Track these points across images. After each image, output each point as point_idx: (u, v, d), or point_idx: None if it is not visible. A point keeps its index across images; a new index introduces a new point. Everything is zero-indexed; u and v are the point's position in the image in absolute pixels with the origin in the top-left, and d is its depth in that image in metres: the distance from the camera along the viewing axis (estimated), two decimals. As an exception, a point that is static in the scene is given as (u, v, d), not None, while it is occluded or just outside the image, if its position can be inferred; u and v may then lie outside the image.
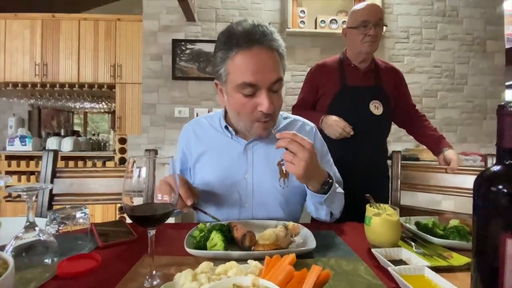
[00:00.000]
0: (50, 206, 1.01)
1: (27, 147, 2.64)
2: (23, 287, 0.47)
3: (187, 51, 2.43)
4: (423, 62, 2.59)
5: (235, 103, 0.74)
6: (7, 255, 0.38)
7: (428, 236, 0.66)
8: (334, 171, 0.92)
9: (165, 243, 0.67)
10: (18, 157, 2.67)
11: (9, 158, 2.68)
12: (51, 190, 1.01)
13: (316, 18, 2.46)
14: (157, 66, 2.46)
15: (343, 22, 2.43)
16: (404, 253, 0.58)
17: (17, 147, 2.62)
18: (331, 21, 2.44)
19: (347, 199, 0.87)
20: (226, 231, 0.64)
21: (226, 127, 0.85)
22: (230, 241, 0.63)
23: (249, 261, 0.48)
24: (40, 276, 0.51)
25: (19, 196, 2.64)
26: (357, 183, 1.05)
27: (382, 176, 1.31)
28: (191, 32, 2.46)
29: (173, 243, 0.66)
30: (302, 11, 2.45)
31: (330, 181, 0.73)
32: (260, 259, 0.49)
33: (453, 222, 0.70)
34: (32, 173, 2.74)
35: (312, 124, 0.94)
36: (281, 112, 0.89)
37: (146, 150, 1.06)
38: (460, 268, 0.54)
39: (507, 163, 0.37)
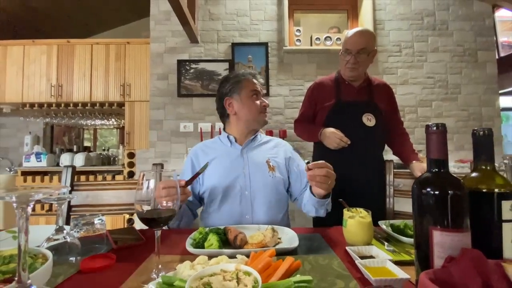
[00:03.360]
0: (68, 217, 1.13)
1: (42, 163, 2.81)
2: (54, 280, 0.58)
3: (191, 70, 2.60)
4: (416, 74, 2.70)
5: (248, 104, 1.10)
6: (47, 250, 0.49)
7: (399, 236, 0.74)
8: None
9: (169, 245, 0.78)
10: (33, 173, 2.83)
11: (25, 173, 2.84)
12: (69, 202, 1.13)
13: (311, 36, 2.62)
14: (163, 85, 2.63)
15: (337, 39, 2.58)
16: (374, 250, 0.67)
17: (32, 163, 2.79)
18: (325, 38, 2.59)
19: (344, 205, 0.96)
20: (222, 234, 0.74)
21: (228, 136, 1.13)
22: (225, 243, 0.73)
23: (237, 255, 0.58)
24: (66, 271, 0.62)
25: (33, 210, 2.78)
26: (353, 191, 1.14)
27: (377, 184, 1.35)
28: (195, 52, 2.63)
29: (176, 245, 0.77)
30: (298, 30, 2.61)
31: None
32: (248, 255, 0.59)
33: (423, 224, 0.79)
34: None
35: (284, 141, 1.23)
36: (263, 135, 1.23)
37: (154, 164, 1.18)
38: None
39: (433, 170, 0.47)
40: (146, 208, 0.58)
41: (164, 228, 0.63)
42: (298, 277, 0.47)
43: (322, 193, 0.87)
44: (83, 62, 2.85)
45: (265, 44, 2.62)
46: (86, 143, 4.04)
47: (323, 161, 0.82)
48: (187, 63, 2.61)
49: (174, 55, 2.64)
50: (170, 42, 2.65)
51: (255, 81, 1.12)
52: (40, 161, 2.77)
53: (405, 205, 1.47)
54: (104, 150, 3.50)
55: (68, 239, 0.64)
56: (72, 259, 0.66)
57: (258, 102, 1.10)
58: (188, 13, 2.18)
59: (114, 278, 0.60)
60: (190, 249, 0.67)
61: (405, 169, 1.44)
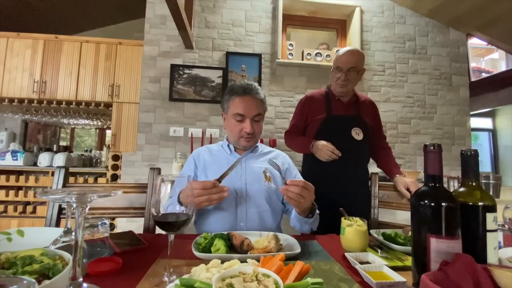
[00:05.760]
0: (58, 219, 1.09)
1: (18, 162, 2.65)
2: (62, 282, 0.58)
3: (184, 76, 2.61)
4: (397, 93, 2.89)
5: (230, 125, 1.14)
6: (66, 253, 0.50)
7: (391, 244, 0.81)
8: None
9: (173, 249, 0.78)
10: (7, 172, 2.66)
11: (-2, 172, 2.67)
12: (60, 205, 1.10)
13: (303, 51, 2.73)
14: (155, 88, 2.61)
15: (327, 55, 2.72)
16: (371, 256, 0.72)
17: (8, 162, 2.63)
18: (316, 54, 2.71)
19: (331, 214, 1.02)
20: (227, 239, 0.77)
21: (228, 145, 1.18)
22: (230, 248, 0.75)
23: (247, 260, 0.61)
24: (73, 274, 0.61)
25: (5, 211, 2.60)
26: (341, 201, 1.20)
27: (363, 195, 1.41)
28: (189, 58, 2.65)
29: (179, 250, 0.78)
30: (291, 44, 2.72)
31: (314, 207, 0.97)
32: (256, 260, 0.62)
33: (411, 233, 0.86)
34: (20, 188, 2.73)
35: (284, 154, 1.26)
36: (265, 146, 1.27)
37: (151, 168, 1.18)
38: (411, 267, 0.69)
39: (430, 185, 0.54)
40: (161, 210, 0.60)
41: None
42: (310, 279, 0.51)
43: (305, 210, 0.92)
44: (70, 59, 2.76)
45: (258, 56, 2.70)
46: (61, 142, 3.87)
47: (302, 180, 0.87)
48: (181, 68, 2.62)
49: (168, 59, 2.64)
50: (164, 46, 2.65)
51: (245, 102, 1.08)
52: (17, 159, 2.62)
53: (388, 215, 1.55)
54: (86, 151, 3.36)
55: (75, 242, 0.64)
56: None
57: (239, 127, 1.10)
58: (186, 18, 2.21)
59: (124, 281, 0.60)
60: (197, 254, 0.69)
61: (387, 181, 1.53)
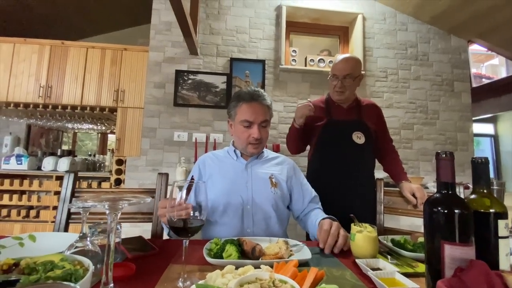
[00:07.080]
0: (67, 224, 1.10)
1: (23, 166, 2.66)
2: None
3: (189, 81, 2.64)
4: (400, 99, 2.91)
5: (238, 131, 1.14)
6: (85, 258, 0.50)
7: (401, 250, 0.81)
8: (310, 190, 1.21)
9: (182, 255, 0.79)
10: (11, 176, 2.67)
11: (2, 176, 2.68)
12: (69, 209, 1.11)
13: (306, 57, 2.76)
14: (159, 93, 2.64)
15: (330, 61, 2.75)
16: (381, 263, 0.73)
17: (12, 166, 2.64)
18: (319, 61, 2.74)
19: (336, 219, 1.02)
20: (237, 245, 0.77)
21: (234, 150, 1.18)
22: (241, 254, 0.76)
23: (261, 266, 0.61)
24: (88, 280, 0.62)
25: (8, 216, 2.61)
26: (346, 206, 1.20)
27: (368, 201, 1.39)
28: (194, 64, 2.68)
29: (191, 255, 0.78)
30: (294, 51, 2.75)
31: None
32: (269, 266, 0.63)
33: (420, 239, 0.86)
34: (24, 192, 2.74)
35: (290, 159, 1.26)
36: (270, 151, 1.27)
37: (159, 173, 1.19)
38: (423, 274, 0.69)
39: (443, 192, 0.55)
40: (177, 216, 0.61)
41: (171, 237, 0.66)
42: (325, 286, 0.51)
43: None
44: (76, 64, 2.79)
45: (262, 62, 2.73)
46: (63, 146, 3.89)
47: (324, 232, 0.85)
48: (186, 73, 2.64)
49: (173, 65, 2.67)
50: (169, 52, 2.68)
51: (252, 109, 1.09)
52: (21, 164, 2.63)
53: (392, 221, 1.54)
54: (90, 155, 3.38)
55: (90, 247, 0.65)
56: (92, 267, 0.66)
57: (247, 133, 1.10)
58: (191, 25, 2.24)
59: (139, 286, 0.61)
60: (210, 259, 0.70)
61: (392, 186, 1.52)
